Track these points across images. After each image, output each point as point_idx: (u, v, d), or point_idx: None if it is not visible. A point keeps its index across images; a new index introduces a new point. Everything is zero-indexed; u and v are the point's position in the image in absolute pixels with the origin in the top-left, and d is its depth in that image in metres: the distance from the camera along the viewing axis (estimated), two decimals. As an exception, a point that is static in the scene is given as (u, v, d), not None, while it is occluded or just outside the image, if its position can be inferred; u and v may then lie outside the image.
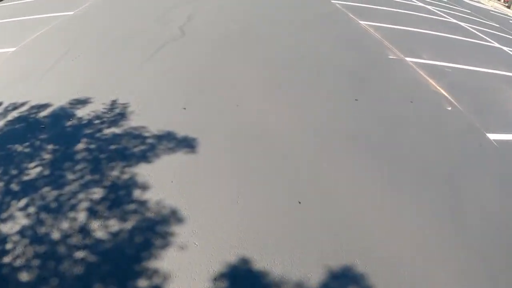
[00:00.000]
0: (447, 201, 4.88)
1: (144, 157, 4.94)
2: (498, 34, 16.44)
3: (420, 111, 7.05)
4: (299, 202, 4.40)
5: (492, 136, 6.92)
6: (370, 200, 4.64)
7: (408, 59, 9.41)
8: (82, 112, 5.97)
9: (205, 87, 6.69)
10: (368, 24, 11.64)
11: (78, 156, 4.99)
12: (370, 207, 4.53)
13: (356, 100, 6.80)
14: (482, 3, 28.42)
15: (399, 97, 7.36)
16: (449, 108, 7.45)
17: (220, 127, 5.67)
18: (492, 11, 25.36)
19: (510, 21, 23.00)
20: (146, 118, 5.75)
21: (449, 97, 7.92)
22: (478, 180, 5.55)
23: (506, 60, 12.43)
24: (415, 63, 9.27)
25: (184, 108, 6.06)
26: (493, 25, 18.87)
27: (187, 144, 5.27)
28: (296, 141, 5.53)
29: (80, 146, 5.19)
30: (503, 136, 6.99)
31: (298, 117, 6.09)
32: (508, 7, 29.04)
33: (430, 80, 8.50)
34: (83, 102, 6.29)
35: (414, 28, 12.86)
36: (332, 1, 13.91)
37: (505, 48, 13.88)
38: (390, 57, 9.26)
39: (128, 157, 4.93)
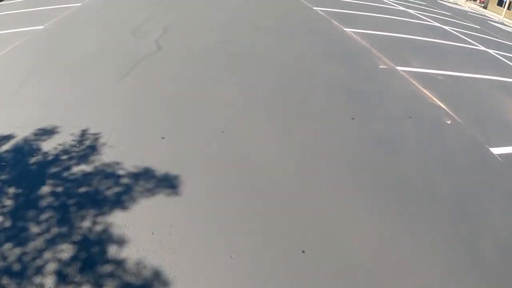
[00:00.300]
0: (460, 232, 4.38)
1: (119, 203, 4.24)
2: (481, 36, 16.35)
3: (420, 127, 6.57)
4: (303, 251, 3.79)
5: (495, 150, 6.56)
6: (378, 239, 4.07)
7: (399, 68, 8.98)
8: (48, 145, 5.22)
9: (185, 111, 6.02)
10: (353, 31, 11.20)
11: (44, 202, 4.26)
12: (378, 247, 3.96)
13: (352, 119, 6.25)
14: (459, 5, 28.65)
15: (397, 112, 6.86)
16: (449, 122, 7.01)
17: (204, 160, 5.01)
18: (470, 12, 25.54)
19: (489, 22, 23.14)
20: (120, 151, 5.05)
21: (447, 109, 7.49)
22: (489, 203, 5.11)
23: (493, 64, 12.21)
24: (407, 72, 8.84)
25: (163, 138, 5.38)
26: (474, 27, 18.85)
27: (168, 183, 4.60)
28: (291, 174, 4.92)
29: (46, 189, 4.46)
30: (506, 149, 6.63)
31: (291, 143, 5.49)
32: (485, 7, 29.39)
33: (425, 91, 8.06)
34: (49, 132, 5.54)
35: (399, 33, 12.52)
36: (314, 8, 13.46)
37: (489, 51, 13.70)
38: (381, 67, 8.80)
39: (101, 203, 4.23)
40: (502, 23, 25.35)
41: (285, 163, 5.05)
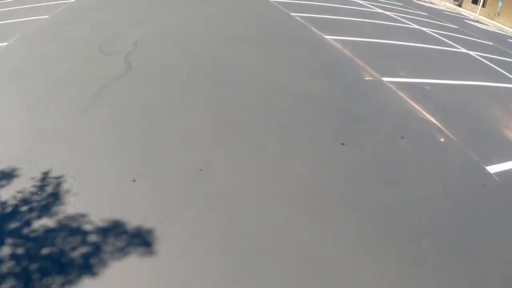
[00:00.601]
0: (468, 275, 3.84)
1: (87, 268, 3.48)
2: (460, 37, 16.13)
3: (414, 148, 6.03)
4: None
5: (491, 169, 6.13)
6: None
7: (385, 79, 8.45)
8: (6, 194, 4.39)
9: (157, 146, 5.27)
10: (333, 39, 10.65)
11: (3, 268, 3.48)
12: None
13: (342, 144, 5.64)
14: (434, 3, 28.67)
15: (388, 132, 6.30)
16: (442, 140, 6.51)
17: (181, 208, 4.29)
18: (446, 11, 25.52)
19: (465, 20, 23.12)
20: (85, 200, 4.27)
21: (438, 124, 7.00)
22: (494, 233, 4.60)
23: (477, 67, 11.90)
24: (393, 83, 8.33)
25: (134, 180, 4.63)
26: (452, 27, 18.68)
27: (142, 240, 3.86)
28: (279, 219, 4.26)
29: (4, 250, 3.67)
30: (501, 166, 6.23)
31: (278, 181, 4.82)
32: (459, 5, 29.53)
33: (414, 105, 7.55)
34: (7, 176, 4.69)
35: (380, 39, 12.06)
36: (292, 14, 12.86)
37: (471, 53, 13.43)
38: (367, 79, 8.25)
39: (66, 268, 3.46)
40: (477, 21, 25.44)
41: (272, 205, 4.38)
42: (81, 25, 9.59)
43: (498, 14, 26.83)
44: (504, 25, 25.82)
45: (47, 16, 10.99)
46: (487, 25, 25.08)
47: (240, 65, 7.84)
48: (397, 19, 16.33)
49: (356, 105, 7.00)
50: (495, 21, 26.62)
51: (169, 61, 7.59)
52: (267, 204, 4.38)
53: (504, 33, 24.15)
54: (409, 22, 16.25)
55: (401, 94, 7.90)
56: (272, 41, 9.62)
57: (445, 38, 14.75)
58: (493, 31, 23.17)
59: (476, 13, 27.93)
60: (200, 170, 4.80)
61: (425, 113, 7.35)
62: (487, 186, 5.69)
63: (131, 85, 6.54)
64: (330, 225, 4.22)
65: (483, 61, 12.80)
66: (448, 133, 6.82)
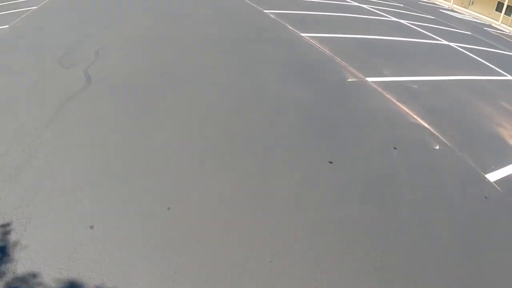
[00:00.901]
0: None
1: None
2: (438, 28, 15.71)
3: (408, 160, 5.37)
4: None
5: (491, 177, 5.58)
6: None
7: (369, 79, 7.78)
8: None
9: (117, 179, 4.38)
10: (311, 37, 9.92)
11: None
12: None
13: (330, 163, 4.90)
14: (408, -6, 28.33)
15: (379, 143, 5.61)
16: (437, 147, 5.88)
17: (145, 259, 3.45)
18: (420, 1, 25.21)
19: (440, 10, 22.83)
20: (37, 255, 3.39)
21: (431, 129, 6.37)
22: (502, 254, 3.99)
23: (460, 60, 11.41)
24: (378, 84, 7.66)
25: (91, 227, 3.75)
26: (429, 18, 18.27)
27: None
28: (263, 264, 3.49)
29: None
30: (500, 173, 5.70)
31: (258, 215, 4.03)
32: (433, -5, 29.33)
33: (403, 107, 6.90)
34: None
35: (359, 34, 11.42)
36: (265, 11, 12.06)
37: (452, 45, 12.96)
38: (350, 80, 7.55)
39: None
40: (452, 10, 25.26)
41: (252, 252, 3.60)
42: (41, 34, 8.45)
43: (472, 2, 26.76)
44: (478, 13, 25.74)
45: (7, 26, 9.83)
46: (462, 14, 24.94)
47: (211, 71, 6.99)
48: (374, 11, 15.77)
49: (341, 112, 6.28)
50: (469, 10, 26.53)
51: (132, 71, 6.65)
52: (247, 246, 3.59)
53: (480, 22, 24.04)
54: (386, 15, 15.71)
55: (388, 96, 7.24)
56: (245, 42, 8.80)
57: (424, 30, 14.27)
58: (469, 20, 23.00)
59: (450, 2, 27.79)
60: (168, 208, 3.96)
61: (415, 116, 6.71)
62: (490, 199, 5.11)
63: (89, 102, 5.59)
64: (321, 260, 3.47)
65: (465, 53, 12.34)
66: (441, 137, 6.21)
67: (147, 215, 3.81)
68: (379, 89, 7.44)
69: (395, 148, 5.55)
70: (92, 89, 5.99)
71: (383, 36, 11.83)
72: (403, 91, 7.65)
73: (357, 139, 5.58)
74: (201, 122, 5.35)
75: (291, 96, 6.43)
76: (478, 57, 12.19)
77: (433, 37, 13.42)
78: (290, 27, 10.56)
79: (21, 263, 3.29)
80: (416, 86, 8.10)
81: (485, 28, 20.77)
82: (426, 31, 14.18)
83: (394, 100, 7.12)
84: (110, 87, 5.96)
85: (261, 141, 5.09)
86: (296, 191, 4.31)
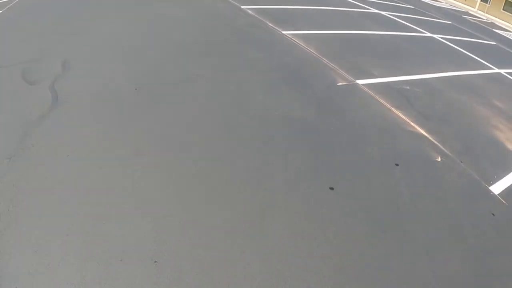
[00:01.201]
0: None
1: None
2: (419, 19, 15.40)
3: (411, 178, 4.91)
4: None
5: (495, 189, 5.28)
6: None
7: (360, 82, 7.27)
8: None
9: (95, 224, 3.68)
10: (293, 34, 9.32)
11: None
12: None
13: (331, 189, 4.36)
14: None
15: (380, 160, 5.11)
16: (439, 159, 5.46)
17: None
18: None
19: (418, -1, 22.57)
20: None
21: (429, 137, 5.96)
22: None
23: (448, 54, 11.09)
24: (369, 86, 7.17)
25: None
26: (408, 7, 17.96)
27: None
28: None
29: None
30: (503, 183, 5.42)
31: (252, 257, 3.45)
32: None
33: (399, 113, 6.44)
34: None
35: (343, 30, 10.91)
36: (242, 7, 11.34)
37: (436, 37, 12.65)
38: (340, 84, 7.02)
39: None
40: (428, -2, 25.06)
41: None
42: (4, 43, 7.44)
43: (447, -11, 26.62)
44: (454, 0, 25.65)
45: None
46: (439, 1, 24.77)
47: (188, 82, 6.28)
48: (354, 3, 15.27)
49: (336, 124, 5.73)
50: (445, -3, 26.41)
51: (102, 86, 5.83)
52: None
53: (457, 9, 23.95)
54: (366, 6, 15.24)
55: (381, 101, 6.76)
56: (223, 45, 8.09)
57: (405, 21, 13.91)
58: (447, 8, 22.87)
59: (426, -11, 27.57)
60: (155, 262, 3.32)
61: (412, 123, 6.26)
62: (497, 216, 4.75)
63: (56, 126, 4.78)
64: None
65: (450, 45, 12.04)
66: (441, 147, 5.79)
67: (135, 267, 3.16)
68: (371, 93, 6.94)
69: (397, 165, 5.06)
70: (59, 109, 5.18)
71: (367, 30, 11.36)
72: (395, 94, 7.19)
73: (356, 156, 5.06)
74: (181, 147, 4.69)
75: (279, 108, 5.83)
76: (463, 49, 11.92)
77: (416, 29, 13.06)
78: (270, 25, 9.92)
79: None
80: (408, 87, 7.66)
81: (463, 16, 20.66)
82: (408, 22, 13.82)
83: (388, 105, 6.65)
84: (78, 107, 5.19)
85: (252, 167, 4.48)
86: (297, 230, 3.75)
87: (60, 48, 6.78)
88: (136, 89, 5.73)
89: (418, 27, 13.31)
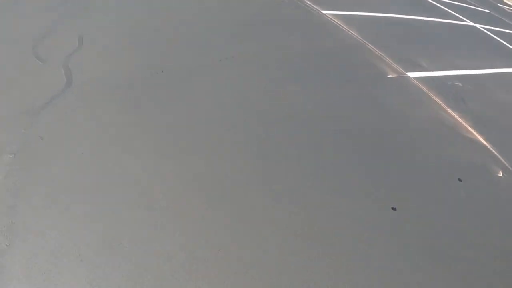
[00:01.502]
0: None
1: None
2: (458, 5, 14.45)
3: (475, 197, 4.42)
4: None
5: None
6: None
7: (410, 75, 6.65)
8: None
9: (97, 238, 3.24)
10: (334, 15, 8.58)
11: None
12: None
13: (393, 210, 3.87)
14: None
15: (441, 172, 4.60)
16: (500, 174, 4.94)
17: None
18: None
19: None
20: None
21: (488, 146, 5.44)
22: None
23: (493, 47, 10.35)
24: (421, 80, 6.57)
25: None
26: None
27: None
28: None
29: None
30: None
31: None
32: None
33: (454, 115, 5.89)
34: None
35: (385, 13, 10.13)
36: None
37: (478, 26, 11.83)
38: (390, 76, 6.40)
39: None
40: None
41: None
42: (14, 17, 6.71)
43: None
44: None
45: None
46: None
47: (216, 67, 5.66)
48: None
49: (391, 126, 5.18)
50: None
51: (123, 67, 5.25)
52: None
53: (491, -4, 22.70)
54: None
55: (435, 98, 6.18)
56: (254, 25, 7.37)
57: (445, 6, 13.02)
58: (481, -6, 21.64)
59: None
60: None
61: (469, 128, 5.71)
62: None
63: (68, 114, 4.23)
64: None
65: (494, 37, 11.25)
66: (501, 158, 5.27)
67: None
68: (424, 89, 6.35)
69: (460, 180, 4.55)
70: (72, 93, 4.59)
71: (408, 14, 10.56)
72: (448, 91, 6.59)
73: (415, 168, 4.54)
74: (207, 151, 4.17)
75: (323, 104, 5.25)
76: (506, 41, 11.14)
77: (457, 16, 12.21)
78: (308, 2, 9.14)
79: None
80: (460, 84, 7.04)
81: (499, 4, 19.56)
82: (447, 8, 12.94)
83: (443, 104, 6.07)
84: (96, 92, 4.60)
85: (295, 179, 3.96)
86: (363, 261, 3.29)
87: (75, 22, 6.11)
88: (162, 72, 5.15)
89: (459, 14, 12.46)
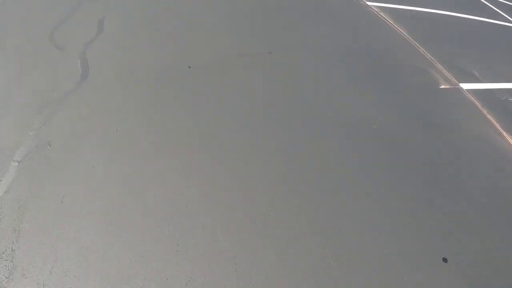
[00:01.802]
0: None
1: None
2: (502, 3, 13.54)
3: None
4: None
5: None
6: None
7: (463, 86, 6.13)
8: None
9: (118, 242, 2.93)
10: (380, 8, 7.95)
11: None
12: None
13: (445, 261, 3.50)
14: None
15: (492, 211, 4.19)
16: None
17: None
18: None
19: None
20: None
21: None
22: None
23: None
24: (474, 93, 6.06)
25: None
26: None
27: None
28: None
29: None
30: None
31: None
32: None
33: (509, 140, 5.39)
34: None
35: (432, 8, 9.42)
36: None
37: (527, 30, 11.00)
38: (442, 87, 5.89)
39: None
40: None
41: None
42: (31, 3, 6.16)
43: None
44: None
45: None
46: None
47: (240, 68, 5.19)
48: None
49: (437, 146, 4.72)
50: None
51: (144, 60, 4.79)
52: None
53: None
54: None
55: (489, 117, 5.67)
56: (287, 14, 6.78)
57: (494, 6, 12.17)
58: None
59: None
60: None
61: (526, 155, 5.22)
62: None
63: (87, 108, 3.85)
64: None
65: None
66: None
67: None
68: (478, 104, 5.84)
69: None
70: (90, 85, 4.18)
71: (457, 12, 9.83)
72: (502, 108, 6.07)
73: (466, 202, 4.13)
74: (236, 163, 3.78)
75: (367, 115, 4.80)
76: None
77: (506, 17, 11.39)
78: (352, -11, 8.49)
79: None
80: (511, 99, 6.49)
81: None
82: (495, 6, 12.10)
83: (497, 126, 5.57)
84: (115, 86, 4.18)
85: (326, 197, 3.59)
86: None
87: (95, 5, 5.59)
88: (189, 67, 4.71)
89: (503, 12, 11.63)
